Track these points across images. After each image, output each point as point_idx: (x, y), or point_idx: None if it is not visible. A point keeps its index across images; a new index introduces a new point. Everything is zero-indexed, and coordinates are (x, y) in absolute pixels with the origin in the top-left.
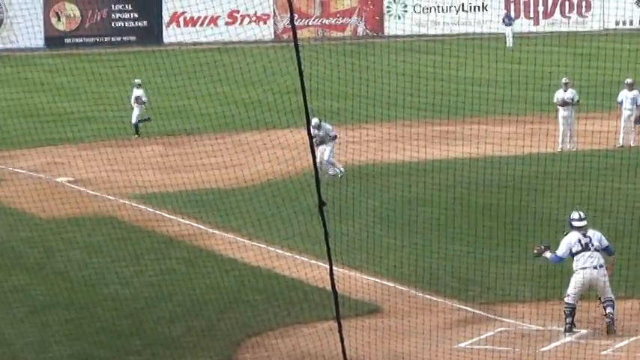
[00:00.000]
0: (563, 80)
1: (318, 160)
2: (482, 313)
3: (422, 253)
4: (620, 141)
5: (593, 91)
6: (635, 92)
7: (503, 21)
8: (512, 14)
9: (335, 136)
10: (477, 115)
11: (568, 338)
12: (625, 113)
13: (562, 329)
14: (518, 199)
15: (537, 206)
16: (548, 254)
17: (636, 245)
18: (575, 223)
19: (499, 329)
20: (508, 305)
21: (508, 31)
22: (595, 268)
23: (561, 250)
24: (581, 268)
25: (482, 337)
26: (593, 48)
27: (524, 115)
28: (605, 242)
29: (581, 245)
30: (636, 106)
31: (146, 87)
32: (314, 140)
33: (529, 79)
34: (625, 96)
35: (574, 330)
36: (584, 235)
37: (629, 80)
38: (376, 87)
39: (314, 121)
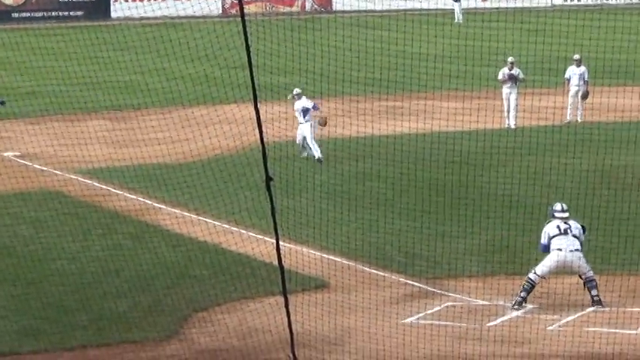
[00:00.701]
0: (510, 59)
1: (300, 137)
2: (429, 288)
3: (369, 228)
4: (568, 117)
5: (540, 67)
6: (582, 68)
7: None
8: None
9: (315, 108)
10: (425, 90)
11: (515, 313)
12: (572, 89)
13: (509, 304)
14: (465, 175)
15: (484, 181)
16: None
17: (582, 220)
18: (557, 214)
19: (446, 304)
20: (455, 280)
21: (457, 6)
22: (571, 251)
23: (543, 238)
24: (556, 249)
25: (429, 311)
26: (541, 24)
27: (472, 90)
28: (582, 238)
29: (560, 230)
30: (584, 82)
31: (87, 62)
32: (296, 112)
33: (476, 54)
34: (572, 72)
35: (523, 306)
36: (565, 223)
37: (576, 56)
38: (323, 62)
39: (295, 90)
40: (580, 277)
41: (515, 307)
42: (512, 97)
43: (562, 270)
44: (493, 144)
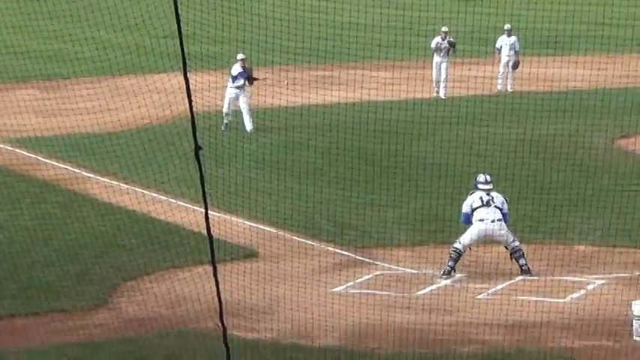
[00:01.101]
0: (443, 29)
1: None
2: (359, 257)
3: (298, 198)
4: (498, 86)
5: (471, 36)
6: (513, 38)
7: None
8: None
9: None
10: (355, 60)
11: (443, 282)
12: (503, 59)
13: (438, 273)
14: (394, 144)
15: (414, 151)
16: None
17: (511, 190)
18: (480, 186)
19: (375, 273)
20: (384, 249)
21: None
22: (493, 221)
23: (465, 209)
24: (479, 220)
25: (358, 280)
26: None
27: (402, 60)
28: (505, 209)
29: (482, 202)
30: (514, 52)
31: (17, 31)
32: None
33: (406, 24)
34: (503, 42)
35: (452, 275)
36: (487, 195)
37: (507, 26)
38: (253, 32)
39: (240, 55)
40: (506, 247)
41: (444, 276)
42: (443, 66)
43: (485, 240)
44: (423, 113)
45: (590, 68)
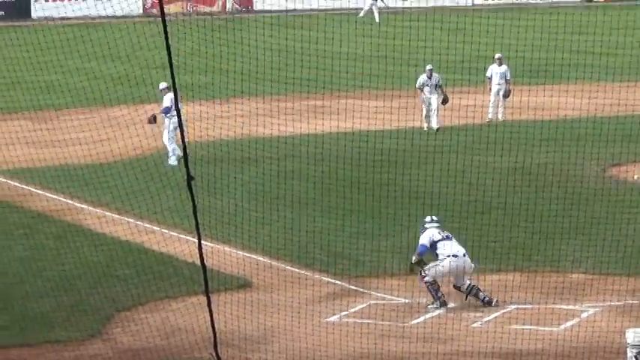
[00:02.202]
0: (428, 67)
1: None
2: (352, 287)
3: (292, 227)
4: (489, 115)
5: (461, 66)
6: (504, 67)
7: None
8: None
9: (168, 110)
10: (346, 89)
11: (437, 311)
12: (494, 88)
13: (432, 306)
14: (387, 173)
15: (406, 180)
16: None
17: (503, 218)
18: (429, 225)
19: (369, 302)
20: (377, 279)
21: (374, 7)
22: (465, 255)
23: (424, 240)
24: (452, 255)
25: (352, 310)
26: (461, 23)
27: (392, 89)
28: None
29: (442, 236)
30: (505, 80)
31: (7, 62)
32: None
33: (397, 53)
34: (494, 71)
35: (446, 303)
36: (442, 231)
37: (498, 55)
38: (244, 62)
39: (163, 85)
40: (459, 288)
41: (442, 308)
42: (433, 100)
43: (455, 274)
44: (414, 142)
45: (580, 97)
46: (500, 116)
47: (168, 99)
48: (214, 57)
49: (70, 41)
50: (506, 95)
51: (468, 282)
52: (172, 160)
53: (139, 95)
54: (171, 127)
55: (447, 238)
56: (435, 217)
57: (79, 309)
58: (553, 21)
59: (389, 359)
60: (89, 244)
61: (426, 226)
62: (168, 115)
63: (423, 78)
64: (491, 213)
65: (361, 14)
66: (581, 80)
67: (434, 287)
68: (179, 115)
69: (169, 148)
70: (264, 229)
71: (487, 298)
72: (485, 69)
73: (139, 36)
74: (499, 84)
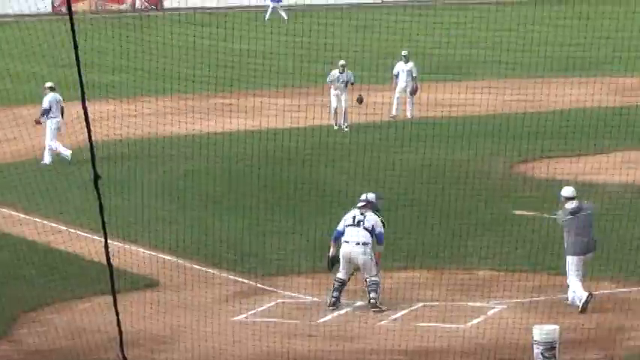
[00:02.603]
0: (340, 62)
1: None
2: (260, 286)
3: (199, 226)
4: (394, 111)
5: (369, 63)
6: (410, 64)
7: None
8: None
9: (47, 112)
10: (254, 87)
11: (345, 309)
12: (400, 85)
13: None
14: (295, 171)
15: (314, 178)
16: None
17: (410, 215)
18: (359, 204)
19: (277, 301)
20: (285, 277)
21: (277, 8)
22: (357, 244)
23: (340, 225)
24: (344, 242)
25: (259, 309)
26: (369, 20)
27: (300, 87)
28: (379, 229)
29: (353, 221)
30: (412, 78)
31: None
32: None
33: (305, 50)
34: (400, 68)
35: (338, 305)
36: (361, 214)
37: (404, 52)
38: (152, 60)
39: (47, 84)
40: (365, 279)
41: (330, 307)
42: (343, 98)
43: (349, 262)
44: (323, 140)
45: (488, 93)
46: (408, 114)
47: (47, 100)
48: (122, 55)
49: None
50: (412, 92)
51: (375, 279)
52: (47, 159)
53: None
54: (53, 126)
55: (357, 224)
56: (368, 196)
57: None
58: (461, 17)
59: (296, 358)
60: None
61: (358, 204)
62: (47, 116)
63: (334, 74)
64: (399, 210)
65: (267, 16)
66: (489, 77)
67: (335, 286)
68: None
69: (48, 147)
70: (172, 228)
71: (374, 301)
72: (393, 66)
73: (47, 34)
74: (405, 81)
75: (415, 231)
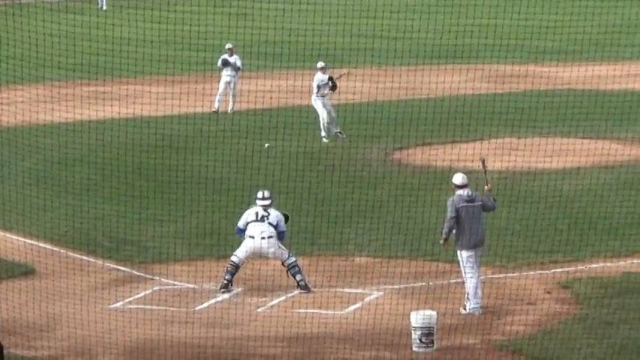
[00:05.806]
0: (227, 46)
1: None
2: (137, 273)
3: (74, 214)
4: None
5: (249, 50)
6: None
7: None
8: None
9: None
10: (128, 75)
11: (222, 296)
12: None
13: (217, 287)
14: (172, 159)
15: (191, 165)
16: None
17: (285, 202)
18: (258, 202)
19: (154, 288)
20: (162, 264)
21: None
22: (263, 238)
23: (240, 222)
24: (249, 236)
25: (136, 296)
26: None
27: (174, 74)
28: (282, 227)
29: (257, 217)
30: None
31: None
32: None
33: (179, 38)
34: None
35: (230, 289)
36: (264, 210)
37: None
38: (24, 48)
39: None
40: (283, 264)
41: (222, 290)
42: (232, 84)
43: (257, 255)
44: (197, 127)
45: (363, 80)
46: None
47: None
48: None
49: None
50: (333, 88)
51: (292, 260)
52: None
53: None
54: None
55: (260, 220)
56: (266, 194)
57: None
58: (334, 5)
59: (173, 344)
60: None
61: (257, 202)
62: None
63: (224, 56)
64: (276, 198)
65: (104, 7)
66: (362, 64)
67: (229, 269)
68: None
69: None
70: (47, 215)
71: (302, 282)
72: (274, 54)
73: None
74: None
75: (292, 218)
